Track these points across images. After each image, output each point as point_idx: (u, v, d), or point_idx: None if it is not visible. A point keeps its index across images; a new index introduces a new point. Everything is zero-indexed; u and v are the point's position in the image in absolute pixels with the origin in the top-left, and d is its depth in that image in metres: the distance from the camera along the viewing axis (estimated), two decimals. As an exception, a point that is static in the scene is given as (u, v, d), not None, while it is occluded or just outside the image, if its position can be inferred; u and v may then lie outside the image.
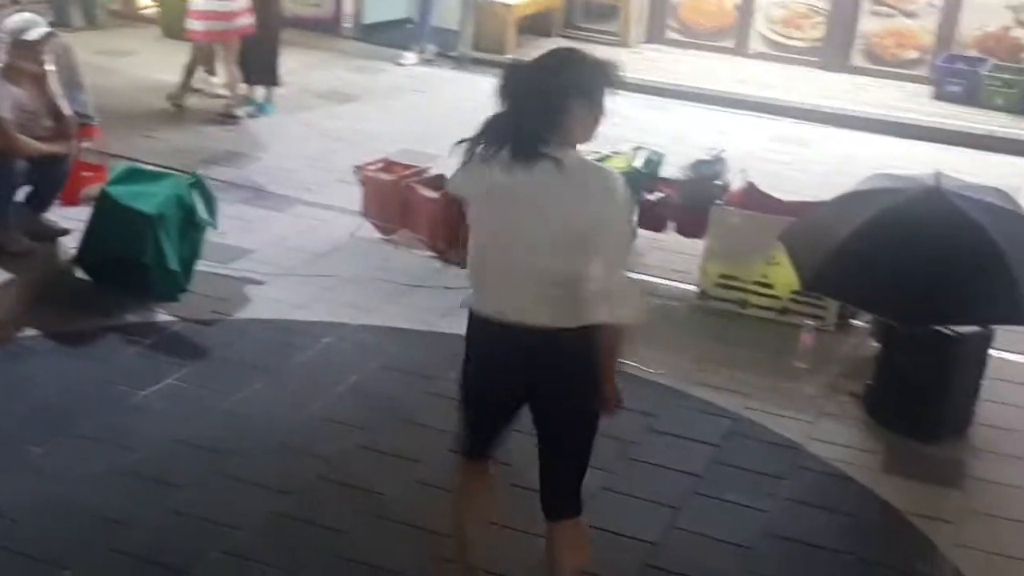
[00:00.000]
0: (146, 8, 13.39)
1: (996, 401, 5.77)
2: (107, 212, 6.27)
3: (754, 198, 7.04)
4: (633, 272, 3.51)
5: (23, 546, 4.22)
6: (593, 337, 3.42)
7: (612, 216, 3.41)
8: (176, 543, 4.31)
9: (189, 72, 10.05)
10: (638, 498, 4.81)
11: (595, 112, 3.43)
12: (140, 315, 6.11)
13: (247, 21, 9.60)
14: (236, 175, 8.44)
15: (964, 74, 11.85)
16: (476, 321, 3.58)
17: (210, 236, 6.54)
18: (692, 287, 6.88)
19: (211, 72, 10.39)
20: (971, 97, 11.70)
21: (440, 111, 10.74)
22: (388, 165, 7.65)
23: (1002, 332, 5.67)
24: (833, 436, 5.43)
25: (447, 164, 7.96)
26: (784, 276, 6.31)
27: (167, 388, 5.40)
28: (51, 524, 4.37)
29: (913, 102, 11.83)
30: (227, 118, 9.78)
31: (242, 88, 10.03)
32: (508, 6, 12.50)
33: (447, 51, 12.60)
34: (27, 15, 6.76)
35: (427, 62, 12.56)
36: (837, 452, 5.29)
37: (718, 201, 6.88)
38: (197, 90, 10.28)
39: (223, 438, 5.02)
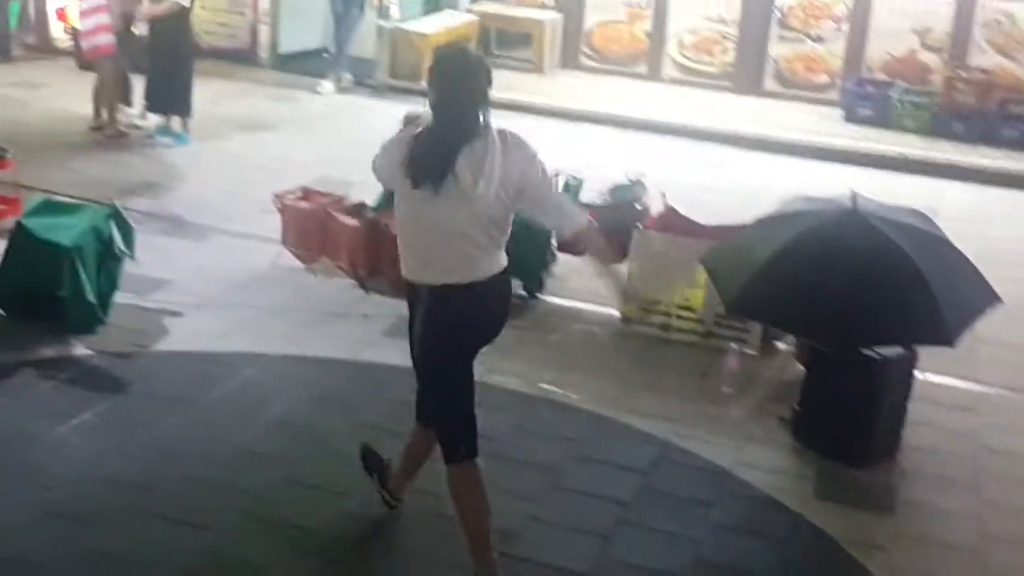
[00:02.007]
0: (61, 40, 13.14)
1: (922, 423, 5.78)
2: (23, 245, 6.13)
3: (675, 222, 7.08)
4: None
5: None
6: None
7: None
8: (97, 585, 4.18)
9: (100, 97, 9.93)
10: (566, 528, 4.75)
11: None
12: (56, 349, 5.94)
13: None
14: (154, 205, 8.31)
15: (874, 97, 12.09)
16: None
17: (128, 267, 6.40)
18: (615, 312, 6.86)
19: (126, 102, 10.22)
20: (882, 120, 11.95)
21: (358, 139, 10.63)
22: (307, 193, 7.58)
23: (926, 353, 5.67)
24: (761, 461, 5.42)
25: (365, 192, 8.03)
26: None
27: (85, 423, 5.25)
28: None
29: (825, 125, 12.01)
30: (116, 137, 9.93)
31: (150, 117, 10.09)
32: (423, 35, 12.48)
33: (363, 79, 12.58)
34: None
35: (344, 91, 12.52)
36: (766, 477, 5.27)
37: (639, 225, 6.90)
38: (136, 126, 10.21)
39: (143, 474, 4.89)
